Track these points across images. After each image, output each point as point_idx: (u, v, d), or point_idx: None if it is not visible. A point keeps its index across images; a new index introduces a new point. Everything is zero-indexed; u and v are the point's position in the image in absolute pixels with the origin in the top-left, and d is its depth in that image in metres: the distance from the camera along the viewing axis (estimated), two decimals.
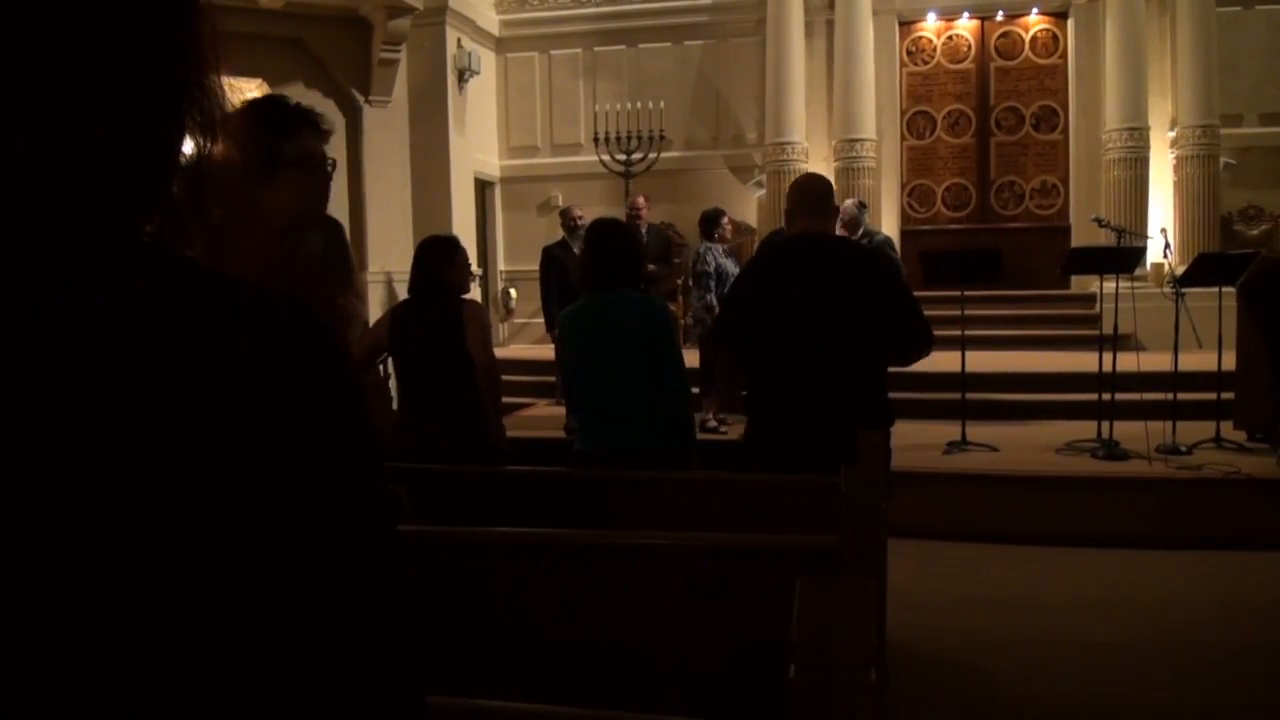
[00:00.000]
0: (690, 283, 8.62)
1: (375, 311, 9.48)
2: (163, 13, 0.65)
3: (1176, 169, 10.88)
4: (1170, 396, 6.78)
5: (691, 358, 7.93)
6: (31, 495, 0.54)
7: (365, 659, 0.66)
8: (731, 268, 7.98)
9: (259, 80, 9.81)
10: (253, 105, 2.28)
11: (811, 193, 3.83)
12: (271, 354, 0.63)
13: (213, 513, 0.58)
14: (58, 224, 0.60)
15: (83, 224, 0.61)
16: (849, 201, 9.14)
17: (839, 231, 8.64)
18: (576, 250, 8.28)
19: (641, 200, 9.41)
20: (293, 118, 2.26)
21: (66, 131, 0.60)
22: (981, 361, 8.09)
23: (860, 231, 8.53)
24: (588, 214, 9.00)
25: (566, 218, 8.94)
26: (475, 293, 11.42)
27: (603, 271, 3.87)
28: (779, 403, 3.64)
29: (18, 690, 0.53)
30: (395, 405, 7.15)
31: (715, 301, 7.61)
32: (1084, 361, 7.77)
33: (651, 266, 8.77)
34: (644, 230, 9.07)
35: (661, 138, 11.17)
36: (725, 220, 8.37)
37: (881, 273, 3.75)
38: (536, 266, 9.07)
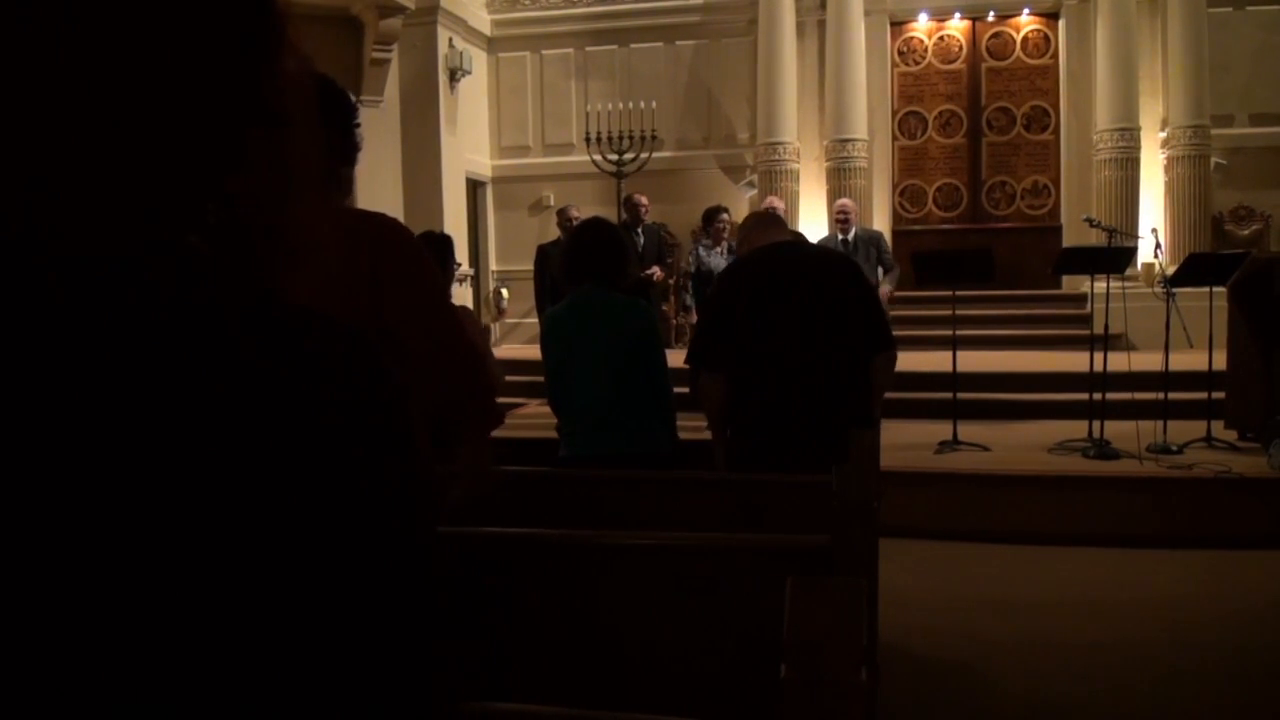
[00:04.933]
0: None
1: None
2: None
3: (1167, 169, 10.91)
4: (1161, 396, 6.79)
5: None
6: (46, 502, 0.53)
7: (387, 682, 0.65)
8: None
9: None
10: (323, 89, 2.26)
11: (763, 217, 4.07)
12: (313, 379, 0.62)
13: (245, 527, 0.57)
14: (92, 228, 0.58)
15: (122, 230, 0.59)
16: (844, 200, 9.15)
17: (835, 230, 8.70)
18: None
19: (645, 200, 9.46)
20: (351, 102, 2.29)
21: (104, 127, 0.58)
22: (973, 361, 8.09)
23: (854, 230, 8.54)
24: (584, 214, 9.00)
25: (563, 217, 8.94)
26: (467, 293, 11.41)
27: (587, 271, 3.80)
28: (767, 410, 3.61)
29: (24, 688, 0.52)
30: None
31: None
32: (1075, 361, 7.79)
33: (656, 271, 8.82)
34: (640, 231, 9.09)
35: (653, 138, 11.18)
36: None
37: (856, 276, 3.78)
38: (528, 266, 9.08)
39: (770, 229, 3.94)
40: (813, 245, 4.95)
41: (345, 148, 2.23)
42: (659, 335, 3.94)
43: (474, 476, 2.49)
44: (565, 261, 3.91)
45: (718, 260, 8.06)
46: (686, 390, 4.01)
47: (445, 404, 2.37)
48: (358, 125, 2.28)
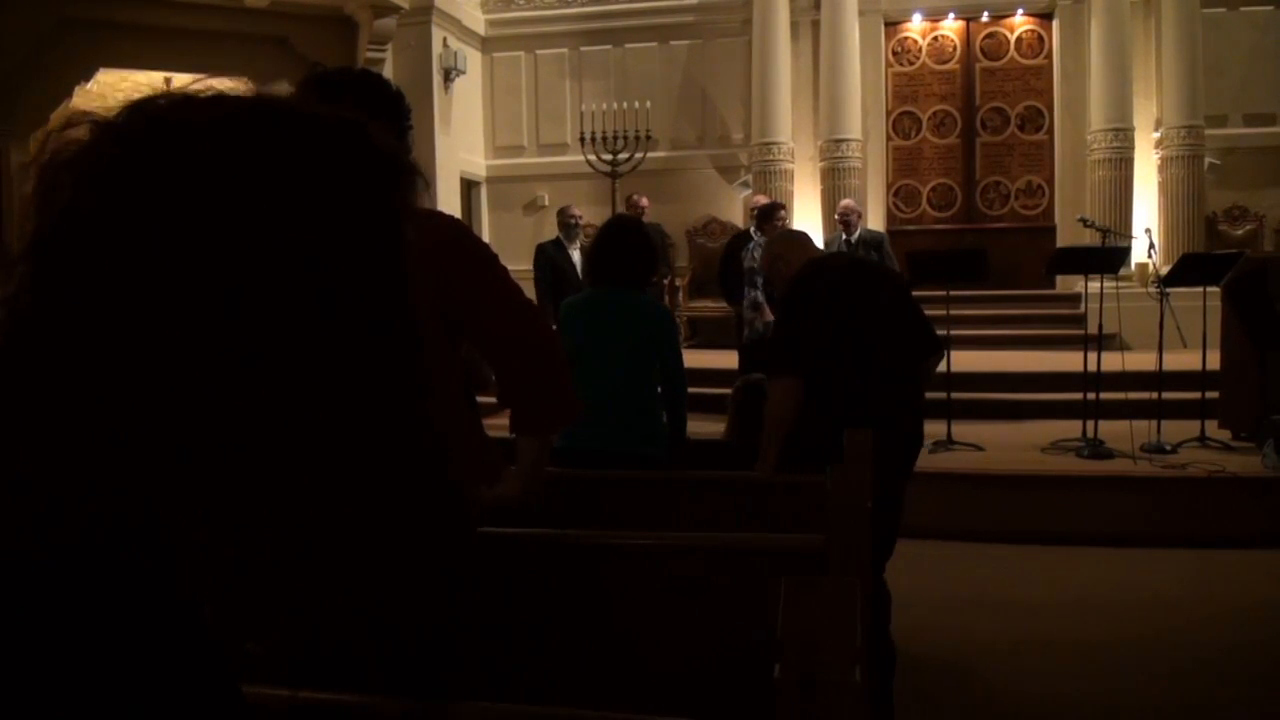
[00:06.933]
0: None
1: None
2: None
3: (1161, 169, 10.91)
4: (1155, 396, 6.80)
5: (726, 359, 7.88)
6: None
7: None
8: None
9: (244, 79, 9.77)
10: (384, 88, 2.29)
11: (794, 238, 4.28)
12: None
13: None
14: None
15: None
16: (847, 201, 9.13)
17: (838, 230, 8.70)
18: (570, 249, 8.26)
19: (645, 201, 9.44)
20: (406, 105, 2.34)
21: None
22: (967, 361, 8.09)
23: (857, 232, 8.52)
24: (583, 214, 8.97)
25: (565, 215, 8.86)
26: None
27: (614, 268, 3.82)
28: (849, 411, 3.62)
29: None
30: None
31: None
32: (1069, 361, 7.80)
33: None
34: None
35: (648, 138, 11.16)
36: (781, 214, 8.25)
37: (901, 284, 3.99)
38: (522, 266, 9.05)
39: (808, 246, 4.10)
40: (859, 258, 5.27)
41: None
42: (678, 337, 3.99)
43: (530, 475, 2.40)
44: (591, 256, 3.96)
45: None
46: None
47: (522, 393, 2.32)
48: (410, 127, 2.31)
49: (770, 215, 8.09)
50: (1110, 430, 6.69)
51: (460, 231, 2.30)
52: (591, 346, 3.75)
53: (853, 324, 3.65)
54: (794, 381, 3.66)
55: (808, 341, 3.69)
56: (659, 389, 3.90)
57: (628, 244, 3.87)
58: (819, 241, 10.44)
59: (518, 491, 2.38)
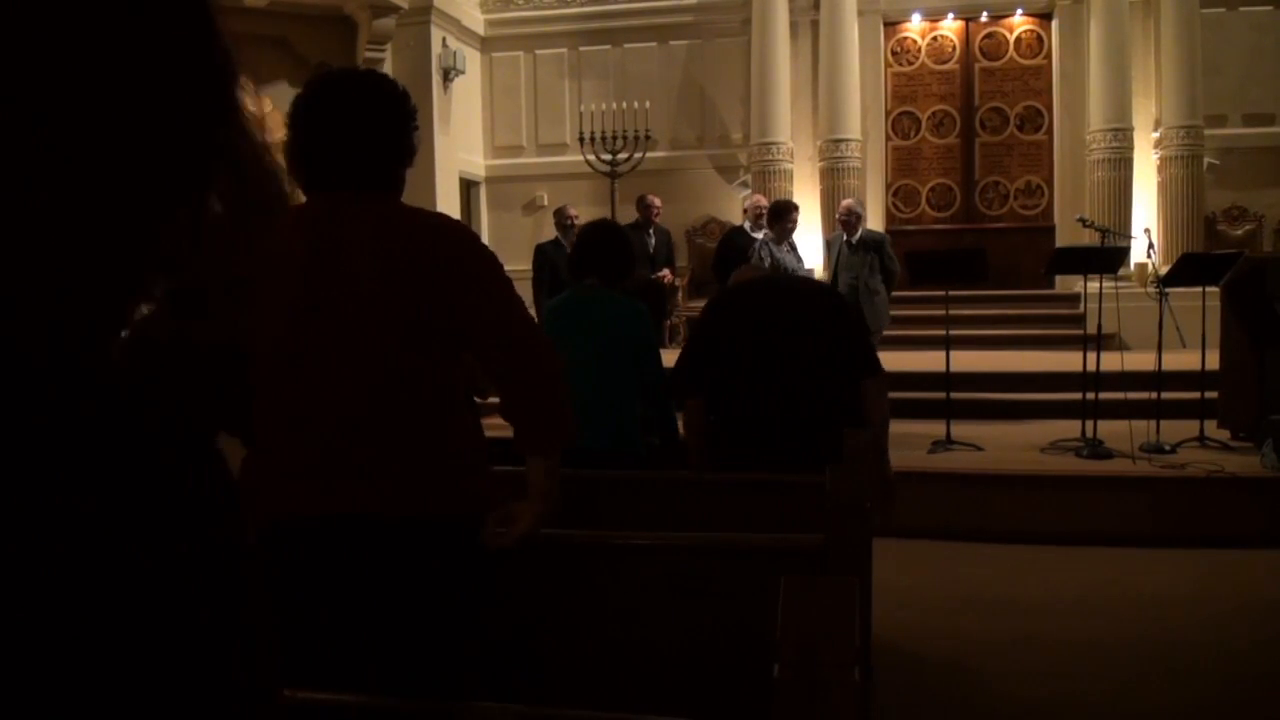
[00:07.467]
0: None
1: None
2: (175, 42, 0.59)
3: (1160, 169, 10.92)
4: (1154, 396, 6.80)
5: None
6: None
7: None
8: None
9: (242, 79, 9.76)
10: (389, 88, 2.34)
11: (747, 268, 4.46)
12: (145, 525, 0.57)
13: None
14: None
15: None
16: (847, 201, 9.11)
17: (839, 231, 8.68)
18: (569, 249, 8.28)
19: (658, 201, 9.46)
20: (412, 106, 2.39)
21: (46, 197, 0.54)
22: (966, 361, 8.10)
23: (859, 233, 8.51)
24: (581, 214, 9.01)
25: (561, 216, 8.92)
26: None
27: (591, 268, 3.90)
28: (749, 435, 3.68)
29: None
30: None
31: None
32: (1068, 361, 7.80)
33: (666, 273, 8.83)
34: (651, 231, 9.13)
35: (647, 138, 11.16)
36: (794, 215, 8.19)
37: (837, 306, 3.98)
38: (520, 266, 9.06)
39: (747, 273, 4.20)
40: (794, 277, 5.72)
41: (406, 149, 2.28)
42: (653, 335, 4.01)
43: (544, 501, 2.27)
44: (572, 257, 4.04)
45: (791, 260, 7.69)
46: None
47: (522, 413, 2.25)
48: (416, 127, 2.33)
49: (782, 215, 7.98)
50: (1109, 430, 6.69)
51: (466, 240, 2.25)
52: (567, 346, 3.77)
53: (761, 342, 3.69)
54: (694, 400, 3.82)
55: (703, 361, 3.81)
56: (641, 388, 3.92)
57: (603, 245, 3.96)
58: (818, 241, 10.50)
59: (533, 526, 2.26)
